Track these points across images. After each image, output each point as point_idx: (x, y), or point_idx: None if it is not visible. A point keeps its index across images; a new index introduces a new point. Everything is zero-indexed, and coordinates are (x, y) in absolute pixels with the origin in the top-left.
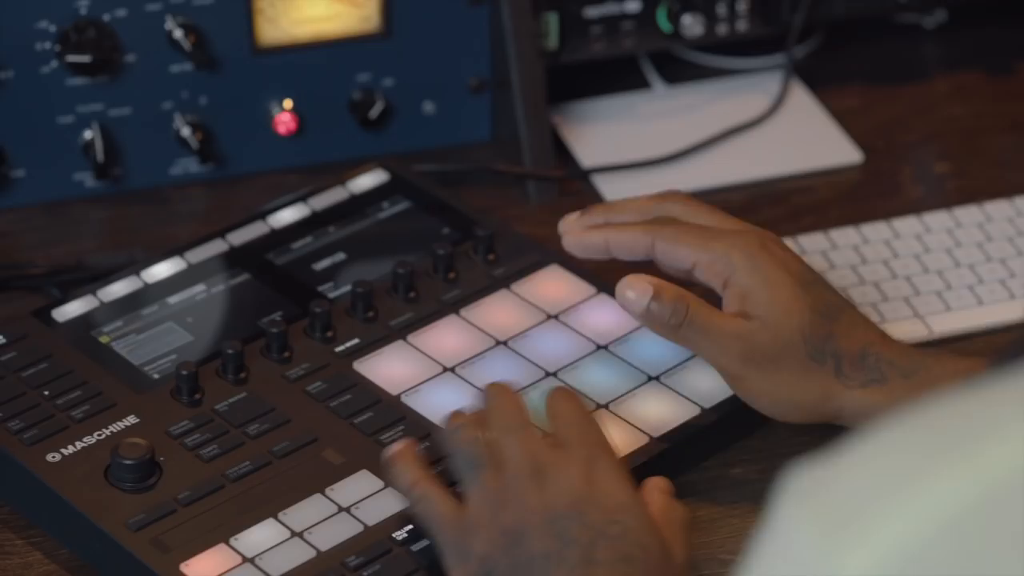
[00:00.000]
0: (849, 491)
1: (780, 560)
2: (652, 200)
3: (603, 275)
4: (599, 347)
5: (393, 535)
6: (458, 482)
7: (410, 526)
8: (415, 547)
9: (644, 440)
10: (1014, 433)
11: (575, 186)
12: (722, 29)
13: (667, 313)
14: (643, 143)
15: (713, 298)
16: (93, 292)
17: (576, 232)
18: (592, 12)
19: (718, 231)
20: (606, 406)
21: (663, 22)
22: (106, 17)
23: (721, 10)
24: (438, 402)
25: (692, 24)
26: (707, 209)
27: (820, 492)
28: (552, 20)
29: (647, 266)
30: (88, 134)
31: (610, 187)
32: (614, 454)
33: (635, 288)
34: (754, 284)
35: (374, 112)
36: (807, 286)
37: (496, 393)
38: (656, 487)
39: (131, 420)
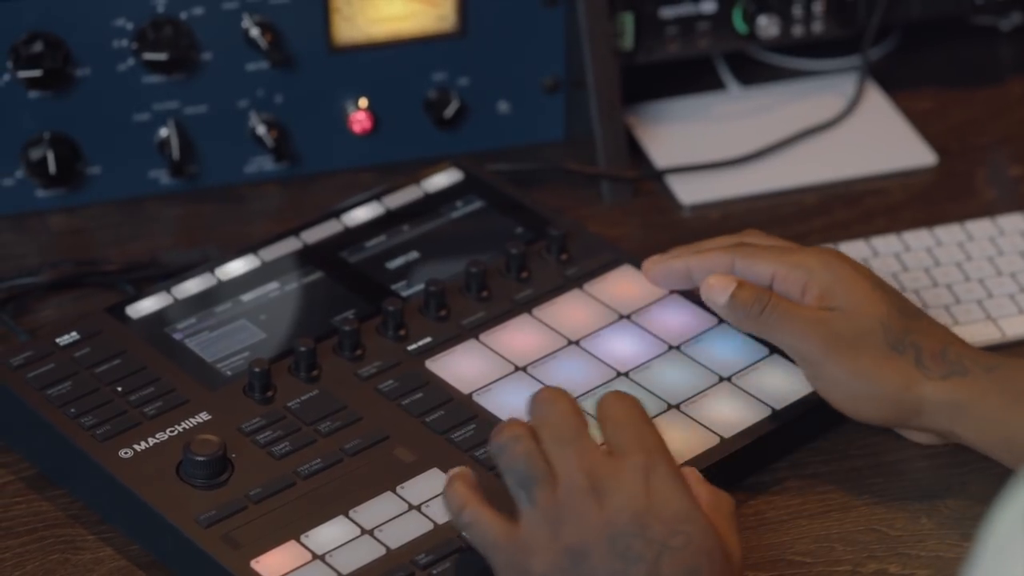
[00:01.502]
0: None
1: (1006, 562)
2: (731, 237)
3: None
4: (671, 347)
5: (463, 534)
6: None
7: None
8: None
9: (715, 441)
10: None
11: (649, 186)
12: (798, 30)
13: (750, 302)
14: (717, 144)
15: None
16: (167, 289)
17: (656, 262)
18: (668, 12)
19: (795, 247)
20: (677, 406)
21: (739, 23)
22: (183, 15)
23: (797, 11)
24: (509, 401)
25: (768, 25)
26: (782, 240)
27: None
28: (628, 20)
29: None
30: (164, 132)
31: (684, 187)
32: (671, 458)
33: (719, 282)
34: (832, 283)
35: (449, 111)
36: (884, 288)
37: (548, 399)
38: (696, 478)
39: (203, 417)
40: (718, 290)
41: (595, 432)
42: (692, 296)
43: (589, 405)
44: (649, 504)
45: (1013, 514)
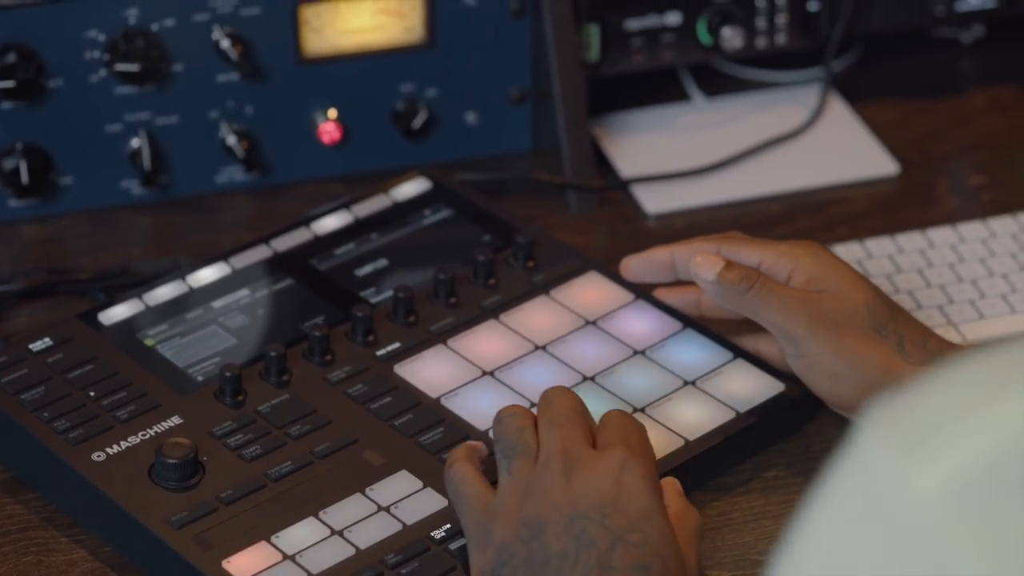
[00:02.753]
0: (924, 415)
1: (858, 479)
2: (714, 236)
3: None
4: (636, 352)
5: (431, 534)
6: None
7: (448, 525)
8: (452, 545)
9: (680, 443)
10: None
11: (615, 196)
12: (761, 42)
13: (737, 279)
14: (682, 154)
15: None
16: (139, 296)
17: (638, 258)
18: (633, 24)
19: (780, 241)
20: (642, 410)
21: (703, 35)
22: (154, 27)
23: (760, 23)
24: (477, 405)
25: (732, 37)
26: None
27: (897, 417)
28: (593, 32)
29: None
30: (135, 142)
31: (649, 197)
32: (650, 463)
33: (707, 260)
34: (818, 270)
35: (417, 122)
36: (868, 280)
37: (557, 391)
38: (673, 489)
39: (175, 421)
40: (706, 267)
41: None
42: (658, 302)
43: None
44: (615, 496)
45: (869, 423)
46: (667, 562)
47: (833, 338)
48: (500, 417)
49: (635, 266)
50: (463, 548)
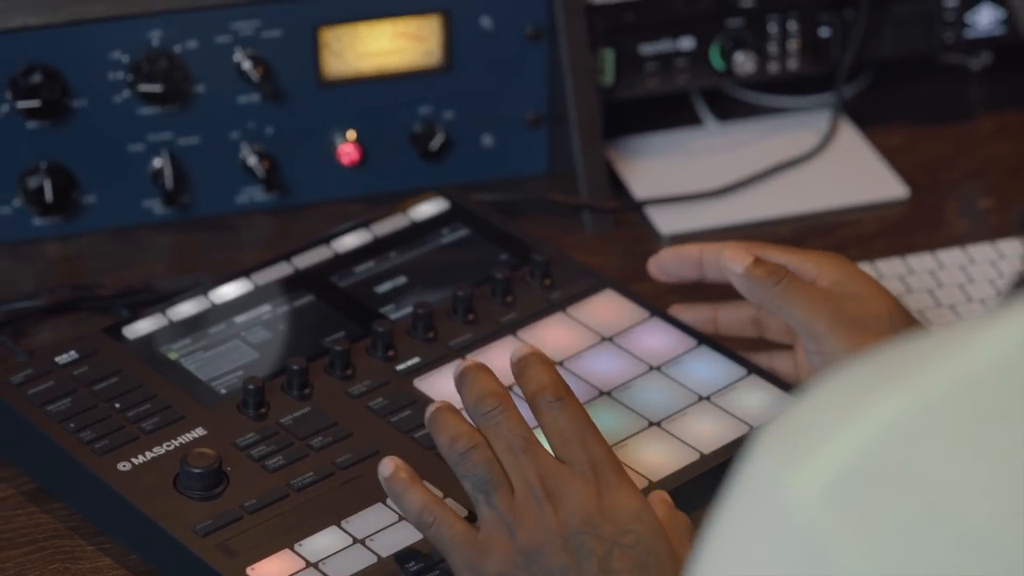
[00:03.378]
0: (799, 420)
1: (745, 488)
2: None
3: (656, 300)
4: (651, 368)
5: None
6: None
7: None
8: None
9: (695, 456)
10: (952, 356)
11: (629, 217)
12: (773, 67)
13: (765, 274)
14: (695, 177)
15: None
16: (162, 311)
17: (665, 254)
18: (647, 49)
19: (805, 249)
20: (658, 424)
21: (716, 60)
22: (177, 48)
23: (772, 49)
24: None
25: (744, 62)
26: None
27: (776, 427)
28: (608, 57)
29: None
30: (157, 162)
31: (663, 218)
32: (618, 464)
33: (736, 254)
34: (843, 276)
35: (434, 144)
36: (890, 292)
37: (492, 406)
38: (659, 499)
39: (199, 432)
40: (736, 260)
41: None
42: (673, 320)
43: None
44: (601, 506)
45: (757, 438)
46: (661, 556)
47: (853, 336)
48: (461, 452)
49: (665, 259)
50: None
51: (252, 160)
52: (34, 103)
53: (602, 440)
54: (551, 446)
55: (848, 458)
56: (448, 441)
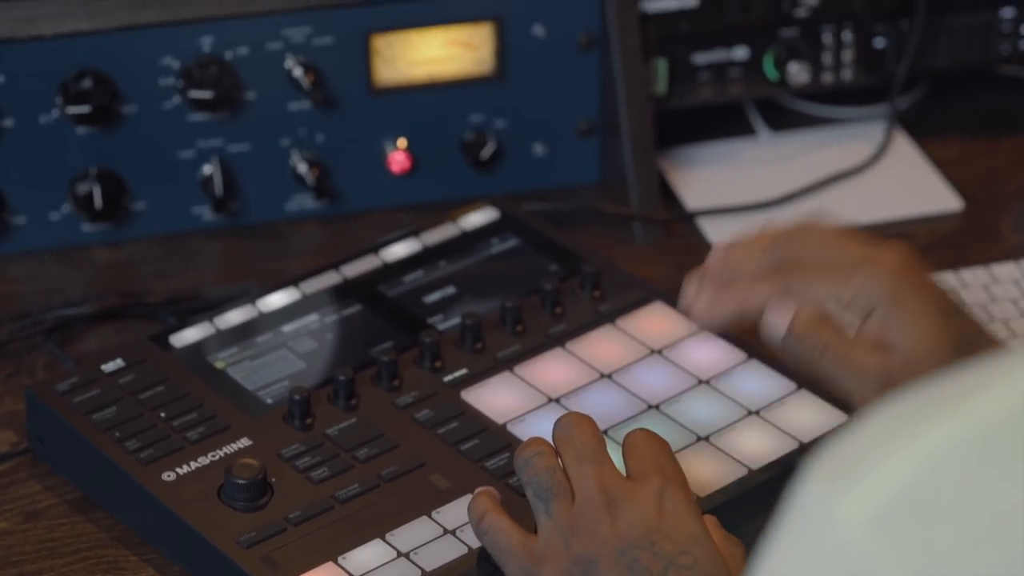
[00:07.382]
0: (849, 448)
1: (795, 517)
2: (769, 241)
3: None
4: (700, 382)
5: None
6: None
7: None
8: None
9: (743, 472)
10: (999, 386)
11: (680, 228)
12: (827, 78)
13: (807, 346)
14: (747, 188)
15: None
16: (209, 319)
17: (704, 308)
18: (700, 59)
19: (851, 262)
20: (707, 438)
21: (770, 70)
22: (228, 55)
23: (827, 59)
24: (542, 431)
25: (798, 72)
26: (831, 236)
27: (827, 454)
28: (661, 66)
29: None
30: (207, 169)
31: (714, 229)
32: (686, 487)
33: (776, 322)
34: (896, 320)
35: (485, 153)
36: (948, 315)
37: (572, 423)
38: (712, 524)
39: (244, 442)
40: (774, 329)
41: (616, 458)
42: (722, 333)
43: (620, 437)
44: (660, 524)
45: (808, 466)
46: None
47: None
48: (526, 459)
49: (702, 323)
50: None
51: (302, 167)
52: (84, 109)
53: (677, 464)
54: (627, 461)
55: (897, 486)
56: (519, 450)
